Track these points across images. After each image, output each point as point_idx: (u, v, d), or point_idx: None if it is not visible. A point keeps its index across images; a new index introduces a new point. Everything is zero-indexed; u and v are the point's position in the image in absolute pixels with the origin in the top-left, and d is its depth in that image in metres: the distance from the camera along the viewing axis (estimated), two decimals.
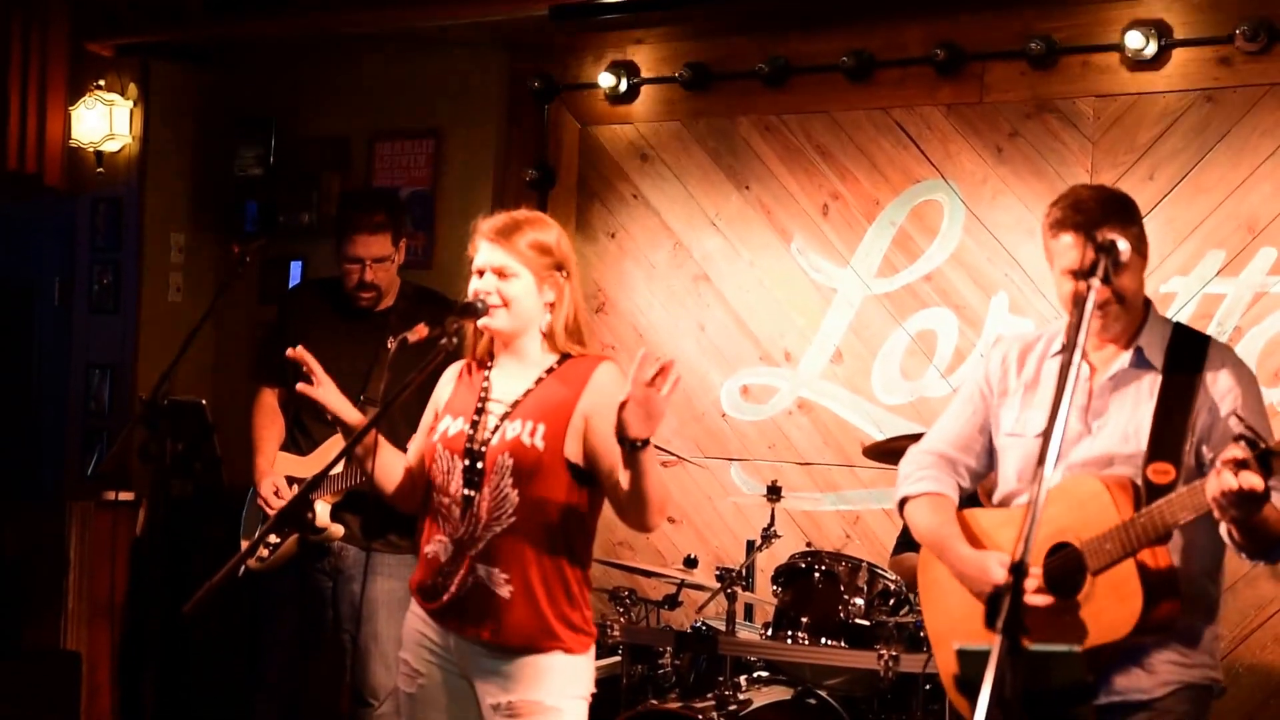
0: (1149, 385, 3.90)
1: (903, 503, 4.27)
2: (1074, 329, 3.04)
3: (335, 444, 5.61)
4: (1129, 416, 3.90)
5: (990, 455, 4.21)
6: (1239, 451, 3.39)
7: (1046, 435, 2.83)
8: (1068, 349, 2.97)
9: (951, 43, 6.31)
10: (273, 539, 5.68)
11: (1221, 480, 3.41)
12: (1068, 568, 3.79)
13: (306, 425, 5.87)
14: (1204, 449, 3.82)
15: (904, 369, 6.51)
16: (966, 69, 6.34)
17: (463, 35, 7.35)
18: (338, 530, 5.74)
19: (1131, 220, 3.92)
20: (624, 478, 3.82)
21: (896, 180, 6.54)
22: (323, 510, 5.72)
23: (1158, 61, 5.97)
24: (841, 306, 6.62)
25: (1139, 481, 3.80)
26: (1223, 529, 3.72)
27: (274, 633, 5.96)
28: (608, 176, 7.20)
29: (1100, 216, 3.84)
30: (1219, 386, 3.86)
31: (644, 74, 7.07)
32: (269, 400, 6.02)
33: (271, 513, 5.68)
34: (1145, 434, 3.84)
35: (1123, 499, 3.75)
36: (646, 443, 3.73)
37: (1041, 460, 2.80)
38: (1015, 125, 6.29)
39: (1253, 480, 3.36)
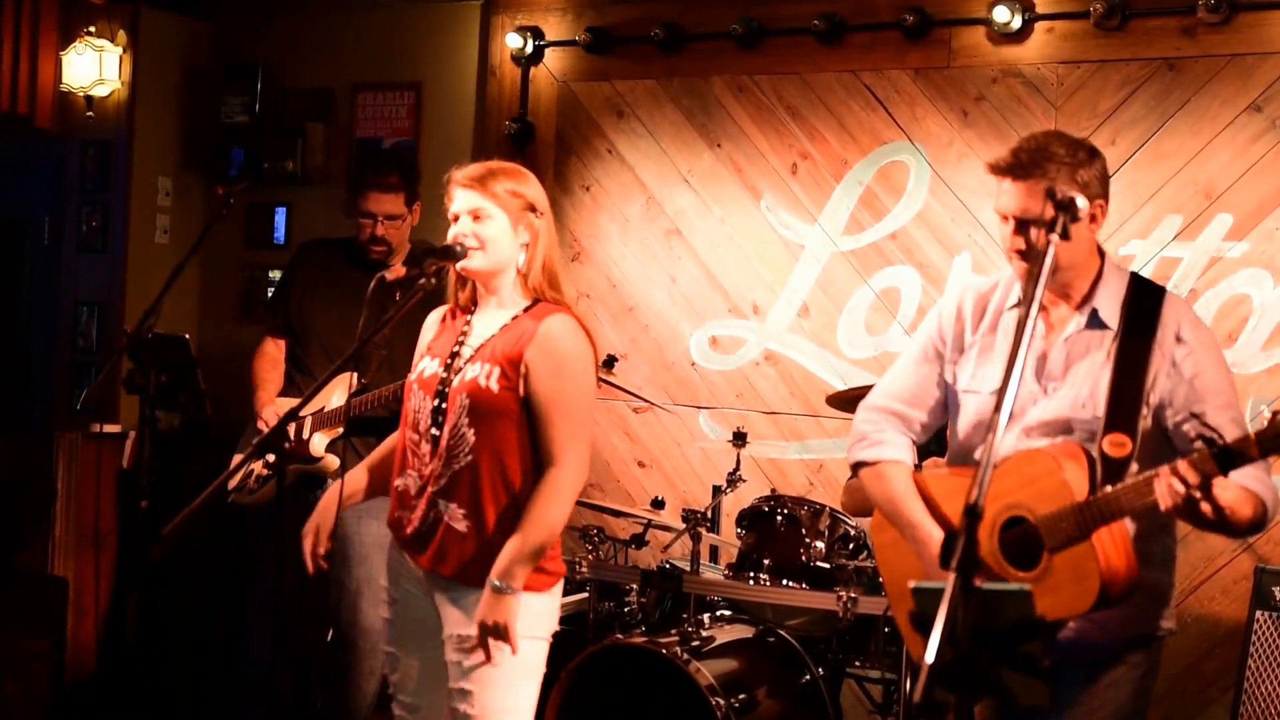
0: (1106, 346, 3.78)
1: (856, 467, 4.16)
2: (1030, 286, 3.07)
3: (332, 385, 5.65)
4: (1084, 379, 3.79)
5: (943, 408, 4.10)
6: (1188, 471, 3.37)
7: (1000, 393, 2.85)
8: (1025, 303, 3.00)
9: (920, 8, 6.41)
10: (262, 472, 5.69)
11: (1170, 494, 3.40)
12: (1025, 543, 3.69)
13: (314, 376, 5.81)
14: (1167, 414, 3.73)
15: (868, 324, 6.63)
16: (934, 34, 6.45)
17: None
18: (332, 462, 5.70)
19: (1067, 167, 3.74)
20: None
21: (864, 141, 6.65)
22: (320, 441, 5.72)
23: (1121, 30, 6.09)
24: (809, 262, 6.74)
25: (1094, 451, 3.68)
26: None
27: (264, 565, 5.95)
28: (584, 131, 7.29)
29: (1029, 164, 3.74)
30: (1178, 348, 3.74)
31: (620, 33, 7.14)
32: (271, 349, 6.05)
33: None
34: (1102, 399, 3.74)
35: (1076, 472, 3.65)
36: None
37: (993, 425, 2.82)
38: (981, 90, 6.40)
39: (1185, 486, 3.37)
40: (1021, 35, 6.29)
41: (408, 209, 5.90)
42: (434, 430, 4.13)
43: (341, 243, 6.10)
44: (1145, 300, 3.84)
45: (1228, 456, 3.34)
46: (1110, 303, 3.83)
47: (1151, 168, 6.06)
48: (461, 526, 4.08)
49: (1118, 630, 3.82)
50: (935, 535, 3.87)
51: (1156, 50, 6.07)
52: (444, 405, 4.11)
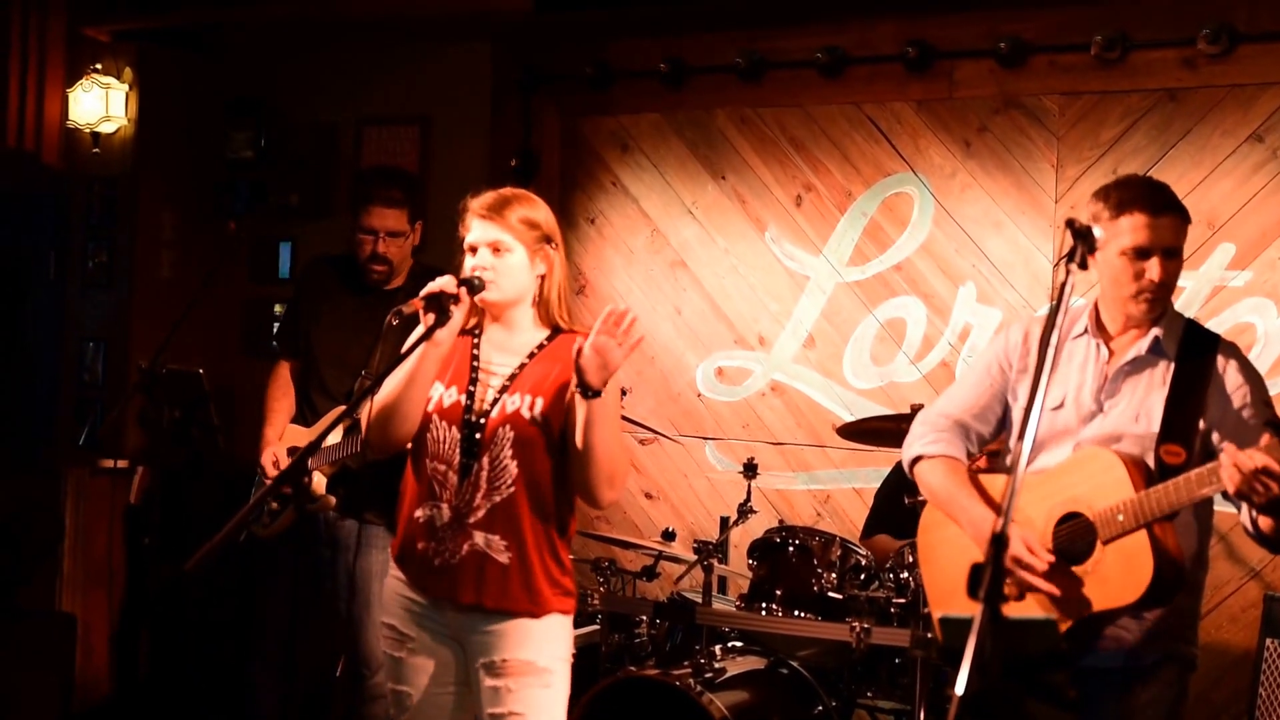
0: (1162, 372, 3.98)
1: (915, 461, 4.31)
2: (1053, 309, 3.13)
3: (334, 418, 5.71)
4: (1141, 399, 3.97)
5: (1001, 424, 4.29)
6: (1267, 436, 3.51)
7: (1026, 411, 2.90)
8: (1049, 325, 3.07)
9: (922, 40, 6.46)
10: (274, 506, 5.68)
11: (1252, 457, 3.49)
12: (1077, 536, 3.86)
13: (313, 400, 5.83)
14: (1214, 436, 3.90)
15: (874, 355, 6.65)
16: (936, 66, 6.49)
17: (450, 25, 7.42)
18: (331, 500, 5.68)
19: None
20: (578, 434, 3.95)
21: (868, 173, 6.69)
22: (319, 481, 5.69)
23: (1122, 61, 6.13)
24: (814, 293, 6.77)
25: (1150, 460, 3.87)
26: (1245, 517, 3.80)
27: (272, 603, 5.89)
28: (588, 165, 7.33)
29: (1167, 204, 4.00)
30: (1229, 381, 3.93)
31: (624, 67, 7.17)
32: (283, 373, 5.99)
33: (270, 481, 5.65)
34: (1156, 416, 3.91)
35: (1135, 474, 3.81)
36: (599, 392, 3.89)
37: (1021, 434, 2.88)
38: (983, 121, 6.45)
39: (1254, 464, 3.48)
40: (1023, 66, 6.33)
41: (410, 226, 5.79)
42: (465, 460, 4.09)
43: (343, 261, 5.96)
44: (1201, 340, 4.06)
45: None
46: (1171, 336, 4.04)
47: None
48: (504, 559, 4.06)
49: (1156, 643, 3.96)
50: (986, 515, 4.00)
51: (1157, 81, 6.12)
52: (477, 436, 4.08)
